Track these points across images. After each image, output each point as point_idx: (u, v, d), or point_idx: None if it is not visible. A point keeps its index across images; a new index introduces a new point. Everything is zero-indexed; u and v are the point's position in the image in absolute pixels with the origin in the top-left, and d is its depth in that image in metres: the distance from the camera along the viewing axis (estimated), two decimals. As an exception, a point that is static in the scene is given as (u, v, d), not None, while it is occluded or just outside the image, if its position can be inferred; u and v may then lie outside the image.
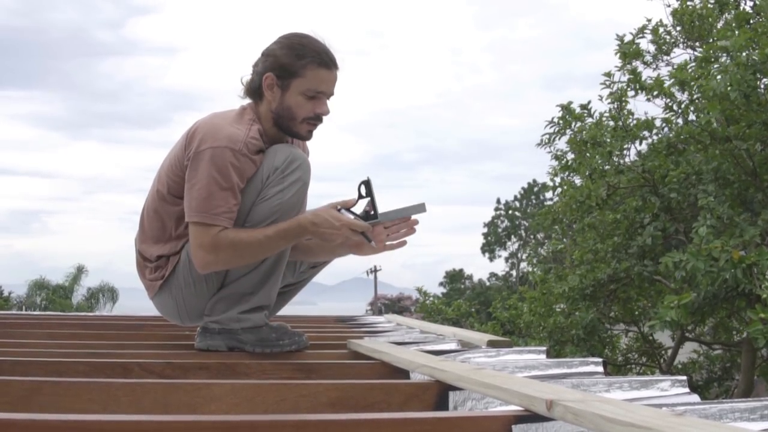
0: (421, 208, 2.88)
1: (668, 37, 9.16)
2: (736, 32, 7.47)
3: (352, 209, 2.77)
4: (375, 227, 2.81)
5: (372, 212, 2.79)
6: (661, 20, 9.15)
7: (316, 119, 2.80)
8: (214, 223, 2.64)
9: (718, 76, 6.79)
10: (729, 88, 6.62)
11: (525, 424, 1.47)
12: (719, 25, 8.78)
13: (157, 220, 2.85)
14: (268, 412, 1.82)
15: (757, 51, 6.80)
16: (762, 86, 7.11)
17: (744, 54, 6.74)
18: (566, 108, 8.79)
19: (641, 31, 8.81)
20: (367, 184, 2.79)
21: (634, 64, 8.55)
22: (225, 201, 2.65)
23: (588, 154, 8.72)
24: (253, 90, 2.83)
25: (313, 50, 2.74)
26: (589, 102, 8.76)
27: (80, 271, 30.15)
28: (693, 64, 7.88)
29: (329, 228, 2.67)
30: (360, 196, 2.80)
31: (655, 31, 9.03)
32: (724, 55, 7.29)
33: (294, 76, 2.74)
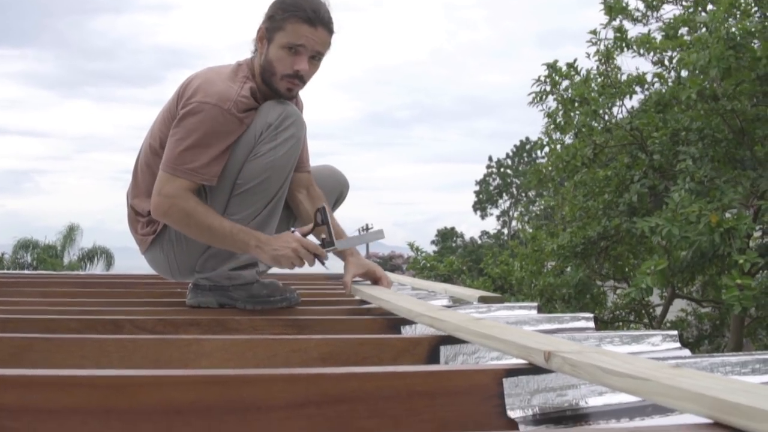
0: (379, 234, 2.87)
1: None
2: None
3: (309, 237, 2.74)
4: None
5: (328, 239, 2.76)
6: None
7: (295, 76, 2.74)
8: (177, 176, 2.63)
9: (700, 49, 6.75)
10: (709, 65, 6.59)
11: (515, 377, 1.47)
12: None
13: (150, 174, 2.83)
14: (259, 367, 1.82)
15: (736, 25, 6.74)
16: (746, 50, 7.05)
17: (723, 28, 6.67)
18: (552, 67, 8.74)
19: None
20: (322, 211, 2.79)
21: (621, 21, 8.48)
22: (196, 157, 2.62)
23: (575, 113, 8.70)
24: (254, 42, 2.83)
25: (299, 5, 2.69)
26: (575, 60, 8.72)
27: (72, 230, 29.80)
28: (682, 25, 7.83)
29: (282, 244, 2.62)
30: (316, 224, 2.78)
31: None
32: (704, 28, 7.24)
33: (277, 29, 2.71)
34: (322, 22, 2.72)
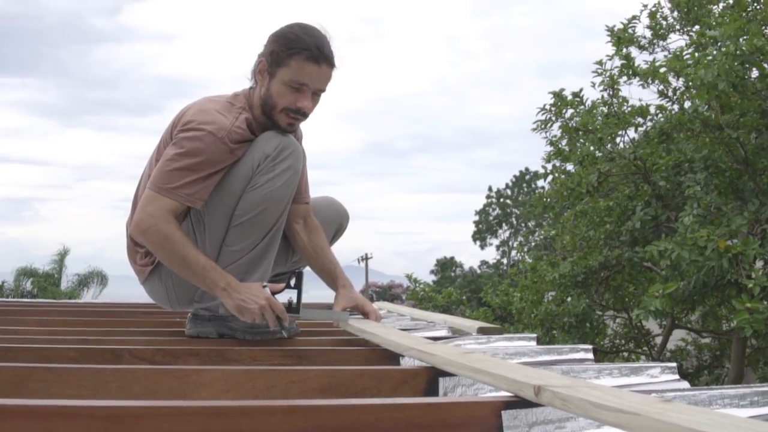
0: (343, 316, 2.89)
1: (665, 22, 9.11)
2: (727, 21, 7.43)
3: (276, 296, 2.76)
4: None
5: (295, 306, 2.77)
6: (659, 2, 9.08)
7: (297, 112, 2.75)
8: (162, 195, 2.63)
9: (708, 66, 6.76)
10: (717, 78, 6.59)
11: (514, 409, 1.47)
12: (720, 7, 8.70)
13: (149, 206, 2.84)
14: (258, 398, 1.82)
15: (745, 41, 6.77)
16: (753, 76, 7.07)
17: (732, 45, 6.70)
18: (558, 95, 8.75)
19: (633, 20, 8.73)
20: (299, 276, 2.83)
21: (627, 50, 8.49)
22: (183, 178, 2.62)
23: (579, 142, 8.71)
24: (252, 73, 2.83)
25: (304, 43, 2.69)
26: (581, 90, 8.72)
27: (62, 256, 29.45)
28: (689, 51, 7.83)
29: (250, 296, 2.60)
30: (288, 286, 2.81)
31: (652, 15, 8.98)
32: (714, 44, 7.26)
33: (281, 64, 2.71)
34: (327, 60, 2.72)
